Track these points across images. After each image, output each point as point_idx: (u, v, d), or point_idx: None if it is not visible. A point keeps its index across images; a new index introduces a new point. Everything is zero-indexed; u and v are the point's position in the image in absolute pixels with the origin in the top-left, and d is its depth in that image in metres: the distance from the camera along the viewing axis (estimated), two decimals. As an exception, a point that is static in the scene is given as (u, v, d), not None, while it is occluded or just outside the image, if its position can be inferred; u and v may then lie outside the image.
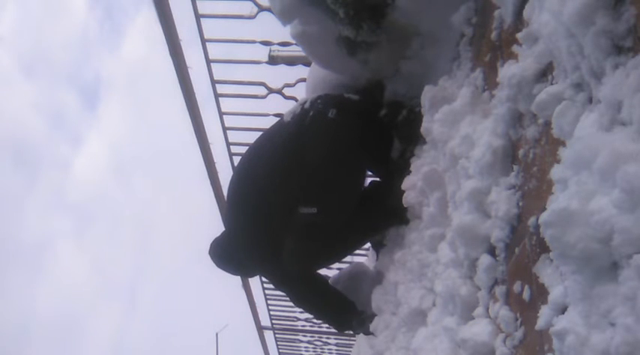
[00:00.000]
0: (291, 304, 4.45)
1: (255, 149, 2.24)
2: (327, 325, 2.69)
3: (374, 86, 2.13)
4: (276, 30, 2.18)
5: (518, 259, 1.15)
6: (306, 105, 2.11)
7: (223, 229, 2.40)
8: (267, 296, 4.45)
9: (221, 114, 2.94)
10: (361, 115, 2.08)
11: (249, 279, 4.13)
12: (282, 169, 2.06)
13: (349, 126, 2.05)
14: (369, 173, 2.35)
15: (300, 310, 4.49)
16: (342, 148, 2.04)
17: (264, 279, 4.24)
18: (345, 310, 2.30)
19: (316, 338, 4.92)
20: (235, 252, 2.29)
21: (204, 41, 2.62)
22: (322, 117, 2.05)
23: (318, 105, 2.08)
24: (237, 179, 2.25)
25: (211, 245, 2.38)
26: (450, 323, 1.42)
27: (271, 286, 4.31)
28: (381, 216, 2.14)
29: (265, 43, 2.71)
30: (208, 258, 2.41)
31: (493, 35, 1.36)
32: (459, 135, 1.42)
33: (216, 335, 5.69)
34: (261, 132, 2.36)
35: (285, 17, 1.98)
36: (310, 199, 2.05)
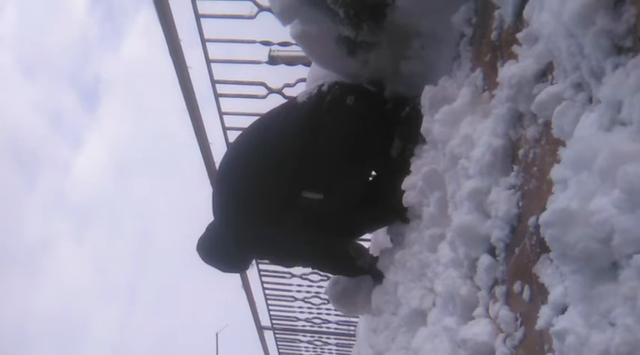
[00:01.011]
0: (291, 304, 4.49)
1: (263, 125, 2.18)
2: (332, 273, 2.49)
3: (375, 85, 2.13)
4: (276, 30, 2.17)
5: (518, 259, 1.15)
6: (324, 88, 2.07)
7: (210, 222, 2.32)
8: (267, 296, 4.45)
9: (221, 114, 2.95)
10: (375, 107, 2.07)
11: (250, 280, 4.13)
12: (293, 149, 2.02)
13: (366, 117, 2.03)
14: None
15: (300, 308, 4.53)
16: (359, 138, 2.02)
17: (264, 279, 4.25)
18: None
19: (316, 338, 4.93)
20: (226, 240, 2.21)
21: (204, 41, 2.62)
22: (341, 102, 2.02)
23: (336, 90, 2.06)
24: (238, 154, 2.19)
25: (199, 241, 2.31)
26: (450, 323, 1.42)
27: (271, 286, 4.34)
28: (380, 214, 2.14)
29: (265, 43, 2.71)
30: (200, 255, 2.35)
31: (493, 35, 1.36)
32: (459, 135, 1.42)
33: (216, 335, 5.71)
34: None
35: (285, 17, 1.98)
36: (317, 184, 2.03)
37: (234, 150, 2.26)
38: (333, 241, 2.22)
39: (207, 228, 2.29)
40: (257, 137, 2.15)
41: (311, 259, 2.37)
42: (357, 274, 2.25)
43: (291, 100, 2.20)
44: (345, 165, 2.03)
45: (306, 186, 2.03)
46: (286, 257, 2.39)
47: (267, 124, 2.17)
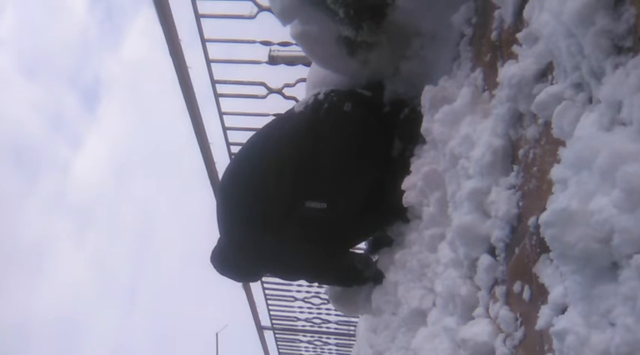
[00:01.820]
0: (291, 304, 4.49)
1: (262, 137, 2.18)
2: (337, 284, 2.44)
3: (374, 86, 2.13)
4: (276, 30, 2.18)
5: (518, 259, 1.15)
6: (320, 97, 2.07)
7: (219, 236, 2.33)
8: (267, 296, 4.45)
9: (221, 114, 2.95)
10: (372, 111, 2.07)
11: (249, 279, 4.13)
12: (293, 158, 2.02)
13: (364, 121, 2.04)
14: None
15: (300, 308, 4.53)
16: (359, 143, 2.02)
17: (264, 279, 4.25)
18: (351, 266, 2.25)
19: (316, 338, 4.92)
20: (233, 252, 2.24)
21: (204, 41, 2.62)
22: (338, 109, 2.03)
23: (333, 98, 2.06)
24: (239, 168, 2.19)
25: (212, 254, 2.32)
26: (450, 323, 1.42)
27: (271, 286, 4.34)
28: (381, 215, 2.14)
29: (265, 43, 2.71)
30: (208, 259, 2.37)
31: (493, 35, 1.36)
32: (459, 135, 1.42)
33: (216, 335, 5.70)
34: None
35: (285, 17, 1.98)
36: (320, 194, 2.02)
37: (235, 163, 2.27)
38: (339, 257, 2.23)
39: (218, 241, 2.30)
40: (256, 148, 2.16)
41: (317, 275, 2.38)
42: (364, 284, 2.25)
43: (289, 111, 2.21)
44: (346, 172, 2.03)
45: (309, 196, 2.03)
46: (290, 271, 2.40)
47: (266, 136, 2.17)
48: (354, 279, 2.27)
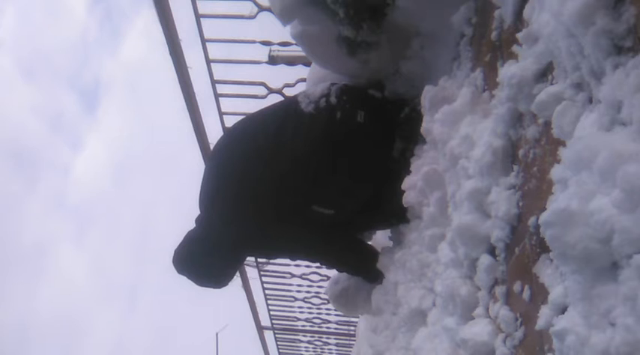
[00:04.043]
0: (291, 304, 4.49)
1: (271, 126, 2.10)
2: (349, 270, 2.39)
3: (376, 85, 2.13)
4: (276, 30, 2.17)
5: (518, 259, 1.15)
6: (332, 100, 2.03)
7: (190, 230, 2.25)
8: (267, 296, 4.45)
9: (221, 114, 2.95)
10: (382, 116, 2.08)
11: (250, 280, 4.13)
12: (304, 166, 2.00)
13: (377, 134, 2.05)
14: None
15: (300, 308, 4.53)
16: (372, 159, 2.04)
17: (264, 279, 4.25)
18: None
19: (316, 338, 4.93)
20: (213, 243, 2.15)
21: (204, 41, 2.62)
22: (352, 120, 2.01)
23: (345, 104, 2.02)
24: (238, 161, 2.10)
25: (175, 253, 2.22)
26: (450, 323, 1.42)
27: (271, 286, 4.34)
28: (382, 217, 2.14)
29: (265, 43, 2.71)
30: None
31: (493, 35, 1.36)
32: (459, 135, 1.42)
33: (216, 335, 5.69)
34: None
35: (285, 17, 1.98)
36: (329, 201, 2.05)
37: (236, 139, 2.18)
38: (356, 238, 2.27)
39: (187, 237, 2.22)
40: (265, 136, 2.07)
41: (329, 255, 2.30)
42: (375, 279, 2.20)
43: (293, 103, 2.10)
44: (356, 184, 2.06)
45: (317, 202, 2.04)
46: (298, 251, 2.34)
47: (275, 125, 2.08)
48: (367, 262, 2.19)
